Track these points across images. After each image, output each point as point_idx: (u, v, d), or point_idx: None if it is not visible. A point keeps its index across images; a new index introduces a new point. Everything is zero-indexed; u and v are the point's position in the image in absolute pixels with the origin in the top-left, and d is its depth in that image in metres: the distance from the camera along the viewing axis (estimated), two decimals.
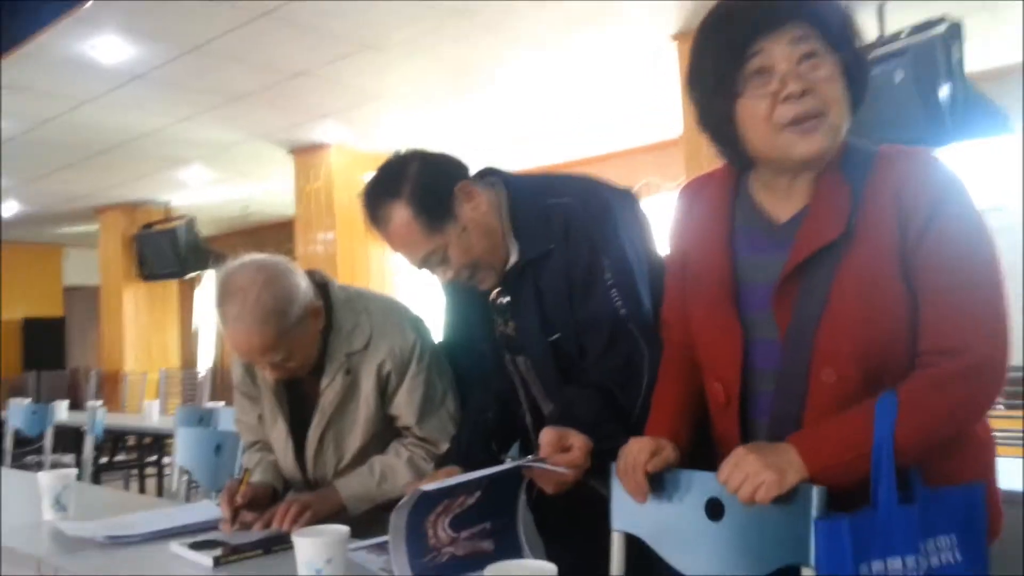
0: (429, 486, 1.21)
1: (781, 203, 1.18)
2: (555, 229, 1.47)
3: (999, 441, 2.92)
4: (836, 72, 1.09)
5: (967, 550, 1.05)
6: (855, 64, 1.12)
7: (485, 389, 1.68)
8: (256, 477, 1.79)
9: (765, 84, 1.08)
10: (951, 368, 1.05)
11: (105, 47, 4.23)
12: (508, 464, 1.35)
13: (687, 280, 1.28)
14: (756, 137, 1.11)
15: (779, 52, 1.08)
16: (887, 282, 1.08)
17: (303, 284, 1.62)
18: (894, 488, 1.02)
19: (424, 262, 1.49)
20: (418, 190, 1.44)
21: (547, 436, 1.35)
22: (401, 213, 1.44)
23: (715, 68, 1.11)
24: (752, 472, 1.05)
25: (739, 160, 1.19)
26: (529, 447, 1.66)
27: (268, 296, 1.54)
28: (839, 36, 1.11)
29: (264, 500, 1.71)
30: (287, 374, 1.65)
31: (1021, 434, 2.83)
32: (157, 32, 4.09)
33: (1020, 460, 2.18)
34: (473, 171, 1.58)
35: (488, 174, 1.58)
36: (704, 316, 1.24)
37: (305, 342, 1.63)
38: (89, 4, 3.77)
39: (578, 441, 1.34)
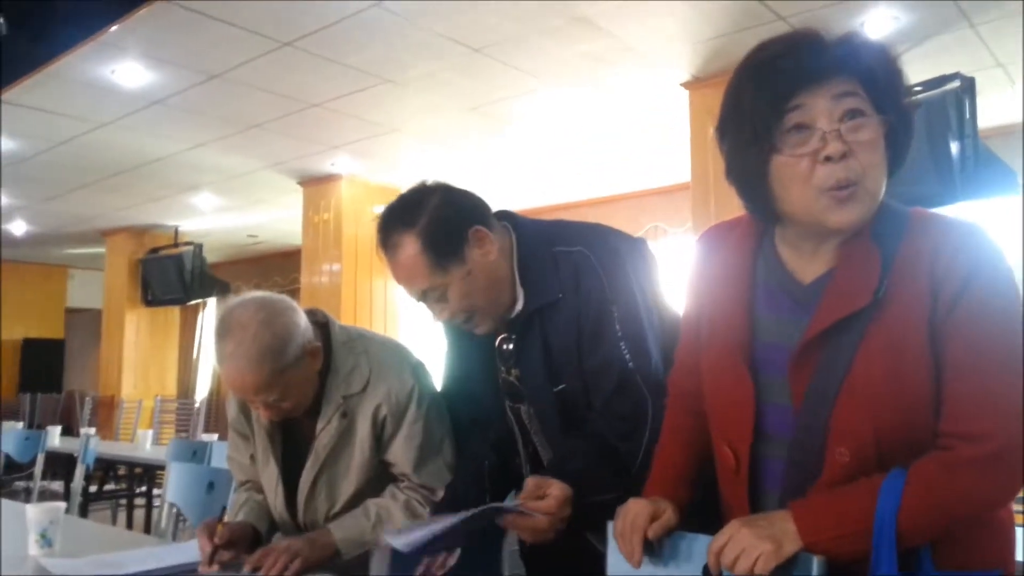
0: (396, 541, 1.16)
1: (806, 263, 1.12)
2: (564, 278, 1.45)
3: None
4: (879, 135, 1.03)
5: None
6: (900, 127, 1.05)
7: (483, 436, 1.64)
8: (240, 516, 1.75)
9: (804, 142, 1.02)
10: (967, 454, 0.98)
11: (125, 72, 4.28)
12: (480, 508, 1.31)
13: (702, 332, 1.23)
14: (791, 198, 1.05)
15: (821, 108, 1.01)
16: (915, 357, 1.01)
17: (302, 324, 1.60)
18: (895, 570, 0.96)
19: (423, 297, 1.47)
20: (432, 225, 1.43)
21: (527, 483, 1.33)
22: (411, 244, 1.43)
23: (752, 119, 1.04)
24: (748, 546, 1.00)
25: (766, 215, 1.12)
26: None
27: (266, 334, 1.51)
28: (886, 95, 1.04)
29: (244, 540, 1.66)
30: (281, 414, 1.62)
31: (1021, 500, 2.76)
32: (177, 59, 4.13)
33: (1020, 529, 2.12)
34: None
35: (500, 217, 1.56)
36: (717, 375, 1.18)
37: (301, 383, 1.60)
38: (113, 29, 3.81)
39: (555, 490, 1.31)
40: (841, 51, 1.04)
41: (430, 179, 1.52)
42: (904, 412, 1.02)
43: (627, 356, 1.42)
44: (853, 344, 1.03)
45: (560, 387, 1.47)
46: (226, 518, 1.81)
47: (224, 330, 1.53)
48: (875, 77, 1.04)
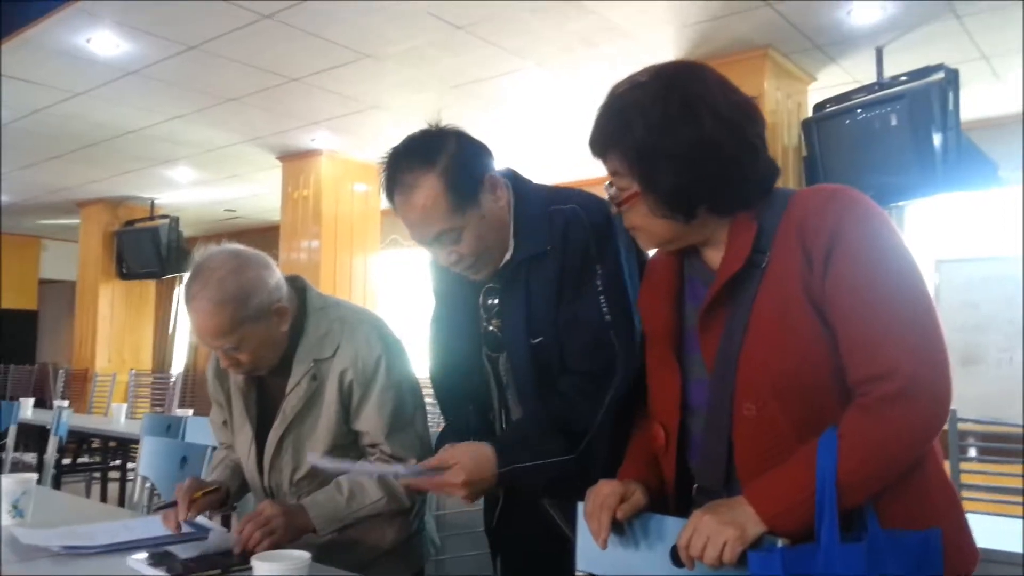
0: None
1: (717, 252, 1.20)
2: (555, 231, 1.47)
3: (998, 500, 2.90)
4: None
5: None
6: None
7: (466, 397, 1.65)
8: (216, 473, 1.80)
9: None
10: (879, 394, 1.03)
11: (101, 41, 4.19)
12: (394, 468, 1.43)
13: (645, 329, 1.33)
14: None
15: None
16: (796, 313, 1.09)
17: (273, 282, 1.62)
18: (836, 524, 1.00)
19: (436, 239, 1.45)
20: (454, 167, 1.43)
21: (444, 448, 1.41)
22: (432, 184, 1.41)
23: None
24: (712, 533, 1.03)
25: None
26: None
27: (232, 282, 1.55)
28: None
29: (215, 497, 1.70)
30: (240, 368, 1.64)
31: (1021, 491, 2.80)
32: (154, 29, 4.05)
33: (1020, 521, 2.15)
34: None
35: (501, 174, 1.57)
36: (652, 364, 1.29)
37: (263, 339, 1.61)
38: None
39: (459, 467, 1.37)
40: None
41: (439, 123, 1.51)
42: (797, 367, 1.08)
43: (605, 310, 1.44)
44: (747, 309, 1.12)
45: (537, 340, 1.48)
46: (204, 472, 1.83)
47: (195, 272, 1.57)
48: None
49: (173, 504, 1.62)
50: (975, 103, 4.53)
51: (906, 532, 1.04)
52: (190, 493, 1.61)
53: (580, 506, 1.25)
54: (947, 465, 1.26)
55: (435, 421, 2.07)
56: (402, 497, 1.64)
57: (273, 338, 1.63)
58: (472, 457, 1.38)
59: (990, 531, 1.86)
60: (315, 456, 1.55)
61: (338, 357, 1.67)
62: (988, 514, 2.56)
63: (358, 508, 1.62)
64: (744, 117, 1.14)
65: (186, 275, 1.63)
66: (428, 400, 1.85)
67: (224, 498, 1.73)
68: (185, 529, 1.61)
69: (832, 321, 1.07)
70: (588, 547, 1.24)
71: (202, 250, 1.61)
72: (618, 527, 1.20)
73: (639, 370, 1.35)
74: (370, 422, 1.67)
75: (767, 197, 1.17)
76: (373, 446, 1.68)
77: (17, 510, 1.73)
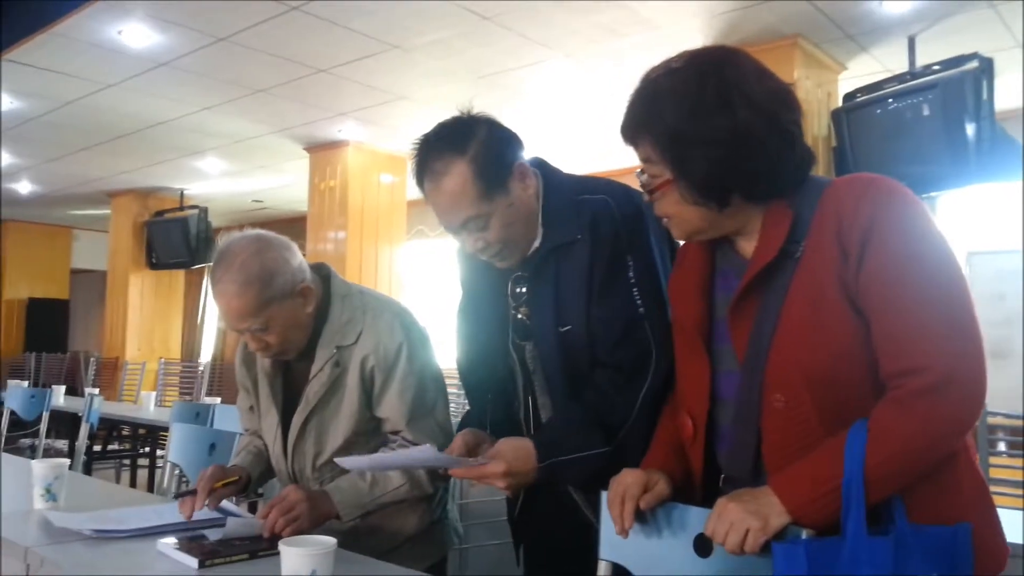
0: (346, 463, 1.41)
1: (750, 242, 1.19)
2: (583, 221, 1.47)
3: (1000, 492, 2.85)
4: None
5: None
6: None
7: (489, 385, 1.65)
8: (237, 460, 1.82)
9: None
10: (913, 387, 1.02)
11: (132, 33, 4.24)
12: (425, 452, 1.38)
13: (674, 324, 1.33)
14: None
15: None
16: (830, 305, 1.07)
17: (296, 263, 1.65)
18: (862, 516, 0.99)
19: (463, 225, 1.46)
20: (484, 154, 1.43)
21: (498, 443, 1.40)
22: (462, 170, 1.42)
23: None
24: (736, 520, 1.03)
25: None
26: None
27: (255, 263, 1.58)
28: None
29: (235, 486, 1.72)
30: (268, 350, 1.66)
31: (1021, 483, 2.76)
32: (185, 21, 4.10)
33: (1020, 512, 2.12)
34: None
35: (531, 163, 1.57)
36: (680, 354, 1.28)
37: (288, 319, 1.63)
38: None
39: (500, 461, 1.36)
40: None
41: (471, 110, 1.52)
42: (829, 359, 1.07)
43: (639, 303, 1.44)
44: (779, 300, 1.11)
45: (565, 328, 1.48)
46: (232, 458, 1.88)
47: (219, 258, 1.61)
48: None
49: (193, 492, 1.64)
50: (1010, 92, 4.44)
51: (935, 526, 1.02)
52: (210, 483, 1.63)
53: (604, 495, 1.25)
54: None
55: (459, 411, 2.07)
56: (424, 484, 1.65)
57: (299, 319, 1.65)
58: (514, 450, 1.39)
59: (1017, 525, 1.83)
60: (344, 458, 1.52)
61: (360, 344, 1.69)
62: (1017, 509, 2.52)
63: (381, 494, 1.63)
64: (780, 104, 1.12)
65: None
66: (452, 390, 1.86)
67: (244, 486, 1.75)
68: (206, 515, 1.63)
69: (866, 314, 1.06)
70: (611, 536, 1.25)
71: (225, 237, 1.65)
72: (641, 516, 1.20)
73: (670, 361, 1.34)
74: (391, 409, 1.68)
75: (802, 186, 1.15)
76: (395, 433, 1.70)
77: (50, 494, 1.76)
